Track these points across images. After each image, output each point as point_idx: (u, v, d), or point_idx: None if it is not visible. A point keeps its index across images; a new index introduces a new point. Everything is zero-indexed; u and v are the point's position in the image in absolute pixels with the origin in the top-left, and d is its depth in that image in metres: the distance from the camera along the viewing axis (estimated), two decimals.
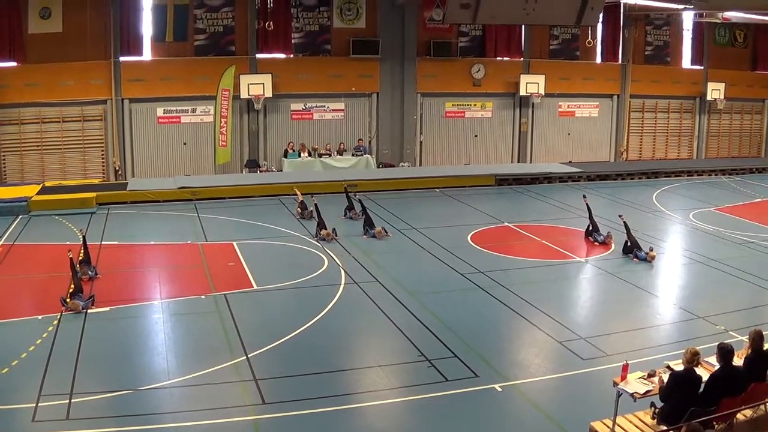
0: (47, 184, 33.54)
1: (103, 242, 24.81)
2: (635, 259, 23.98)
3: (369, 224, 27.02)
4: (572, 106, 44.18)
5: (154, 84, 36.67)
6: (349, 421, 13.56)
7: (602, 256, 24.76)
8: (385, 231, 26.87)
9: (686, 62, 46.64)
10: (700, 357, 11.45)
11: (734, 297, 20.59)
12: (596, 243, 26.09)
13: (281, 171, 38.30)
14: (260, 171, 38.27)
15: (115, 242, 25.33)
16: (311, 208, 28.27)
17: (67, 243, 25.17)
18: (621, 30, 43.75)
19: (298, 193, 30.48)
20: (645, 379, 11.89)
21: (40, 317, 18.18)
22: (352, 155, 39.42)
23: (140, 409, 13.58)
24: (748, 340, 12.12)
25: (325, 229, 26.29)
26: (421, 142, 41.80)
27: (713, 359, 11.92)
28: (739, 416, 11.25)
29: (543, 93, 41.89)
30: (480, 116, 42.62)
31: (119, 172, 36.62)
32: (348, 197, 29.80)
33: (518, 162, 43.32)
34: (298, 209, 29.78)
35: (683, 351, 11.60)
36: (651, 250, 24.16)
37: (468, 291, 20.94)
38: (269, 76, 37.58)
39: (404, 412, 14.01)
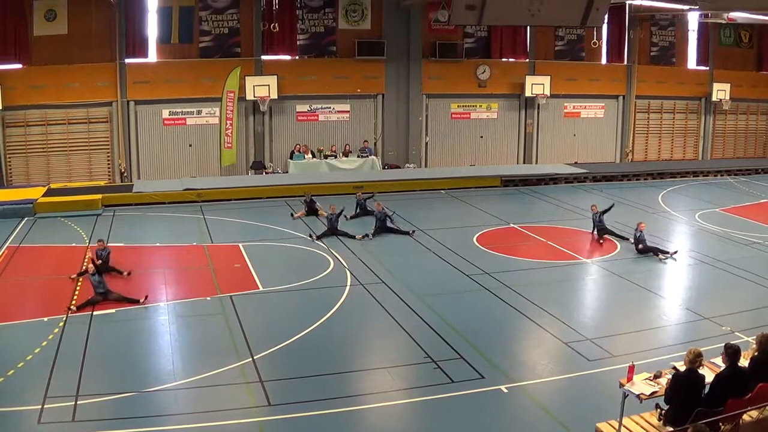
0: (53, 186, 33.64)
1: (108, 244, 24.75)
2: (661, 255, 24.24)
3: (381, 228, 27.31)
4: (578, 107, 44.13)
5: (160, 86, 36.73)
6: (355, 422, 13.57)
7: (608, 257, 24.73)
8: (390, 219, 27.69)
9: (692, 63, 46.57)
10: (702, 358, 11.41)
11: (740, 298, 20.53)
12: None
13: (287, 172, 38.30)
14: (266, 172, 38.28)
15: (121, 244, 25.33)
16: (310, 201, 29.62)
17: (73, 245, 25.32)
18: (626, 31, 43.78)
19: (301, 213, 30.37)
20: (651, 380, 11.86)
21: (45, 319, 18.21)
22: (358, 156, 39.42)
23: (146, 411, 13.60)
24: (755, 343, 12.08)
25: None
26: (426, 144, 41.79)
27: (719, 360, 11.90)
28: (745, 417, 11.22)
29: (548, 94, 41.88)
30: (485, 117, 42.59)
31: (125, 174, 36.68)
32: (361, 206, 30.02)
33: (524, 163, 43.28)
34: (303, 211, 29.90)
35: (685, 352, 11.60)
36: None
37: (473, 292, 20.93)
38: (274, 77, 37.58)
39: (410, 414, 14.01)
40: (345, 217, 28.77)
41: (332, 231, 26.82)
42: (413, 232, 27.34)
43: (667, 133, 46.50)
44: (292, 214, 29.95)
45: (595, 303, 21.04)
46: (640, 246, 24.70)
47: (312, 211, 29.78)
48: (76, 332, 17.39)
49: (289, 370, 15.54)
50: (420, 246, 25.99)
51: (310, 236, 26.55)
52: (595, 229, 26.91)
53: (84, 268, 21.44)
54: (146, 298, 19.51)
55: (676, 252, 24.63)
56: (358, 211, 30.04)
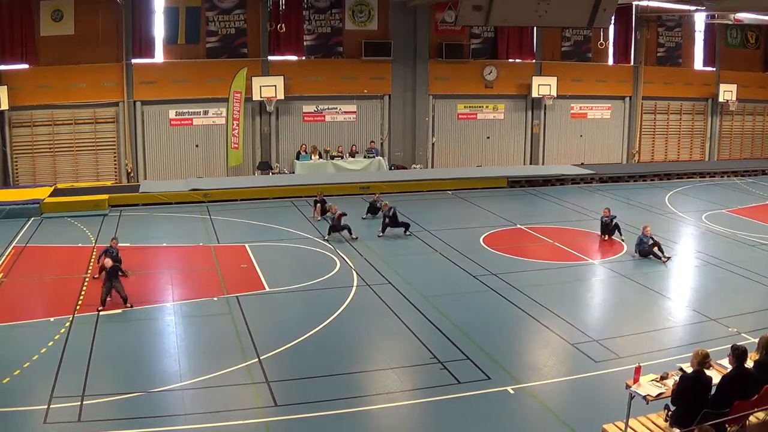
0: (59, 186, 33.70)
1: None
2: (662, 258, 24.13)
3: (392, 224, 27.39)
4: (584, 108, 44.10)
5: (166, 86, 36.78)
6: (362, 423, 13.57)
7: (614, 258, 24.70)
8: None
9: (698, 64, 46.51)
10: (710, 359, 11.38)
11: (747, 299, 20.48)
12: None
13: (293, 173, 38.32)
14: (272, 173, 38.30)
15: (128, 244, 25.30)
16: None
17: (79, 245, 25.35)
18: (633, 32, 43.72)
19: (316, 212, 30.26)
20: (657, 381, 11.84)
21: (52, 319, 18.25)
22: (364, 157, 39.42)
23: (152, 412, 13.62)
24: (758, 345, 12.04)
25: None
26: (433, 144, 41.79)
27: (725, 361, 11.87)
28: (752, 419, 11.20)
29: (555, 95, 41.83)
30: (492, 118, 42.57)
31: (131, 174, 36.71)
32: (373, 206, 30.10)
33: (530, 164, 43.26)
34: (316, 214, 29.84)
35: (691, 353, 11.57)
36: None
37: (480, 293, 20.92)
38: (281, 78, 37.61)
39: (416, 415, 13.99)
40: (362, 218, 29.05)
41: (334, 228, 26.77)
42: (408, 234, 27.40)
43: (674, 134, 46.44)
44: (314, 217, 29.87)
45: (601, 304, 21.02)
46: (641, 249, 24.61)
47: (324, 210, 29.57)
48: (83, 332, 17.43)
49: (295, 371, 15.56)
50: (426, 247, 25.99)
51: (326, 239, 26.51)
52: (605, 234, 26.76)
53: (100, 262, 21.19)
54: (131, 306, 19.35)
55: (669, 258, 24.47)
56: (370, 209, 30.10)
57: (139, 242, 26.09)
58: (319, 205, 29.93)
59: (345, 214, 27.09)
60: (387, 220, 27.37)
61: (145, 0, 35.78)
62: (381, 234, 27.13)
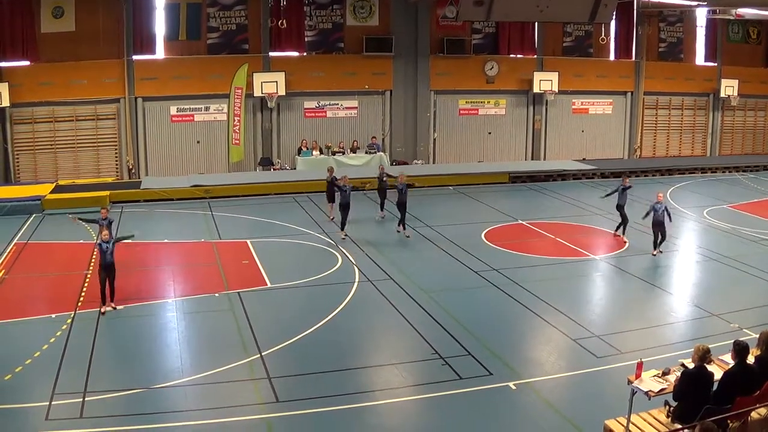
0: (61, 182, 33.70)
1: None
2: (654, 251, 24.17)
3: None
4: (586, 103, 44.05)
5: (168, 82, 36.74)
6: (363, 419, 13.54)
7: (616, 254, 24.70)
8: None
9: (700, 59, 46.44)
10: (711, 354, 11.36)
11: (749, 294, 20.48)
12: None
13: (295, 169, 38.31)
14: (274, 169, 38.28)
15: (129, 240, 25.32)
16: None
17: (81, 242, 25.34)
18: (634, 27, 43.67)
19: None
20: (659, 377, 11.81)
21: (53, 316, 18.24)
22: (366, 153, 39.37)
23: (154, 408, 13.60)
24: (758, 341, 12.02)
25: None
26: (434, 140, 41.76)
27: (727, 357, 11.85)
28: (754, 414, 11.18)
29: (556, 90, 41.79)
30: (493, 114, 42.52)
31: (133, 171, 36.70)
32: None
33: (532, 159, 43.22)
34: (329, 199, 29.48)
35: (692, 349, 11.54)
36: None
37: (482, 288, 20.91)
38: (282, 74, 37.59)
39: (418, 410, 14.00)
40: (377, 219, 29.17)
41: (346, 206, 26.44)
42: (399, 231, 27.29)
43: (675, 129, 46.39)
44: (332, 218, 29.07)
45: (603, 300, 20.98)
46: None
47: (332, 195, 28.91)
48: (84, 329, 17.42)
49: (297, 367, 15.55)
50: (428, 242, 25.98)
51: (344, 237, 26.33)
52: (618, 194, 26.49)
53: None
54: (114, 308, 19.04)
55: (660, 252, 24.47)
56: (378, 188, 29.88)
57: (141, 238, 25.99)
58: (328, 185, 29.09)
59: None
60: (399, 195, 26.82)
61: None
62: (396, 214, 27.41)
